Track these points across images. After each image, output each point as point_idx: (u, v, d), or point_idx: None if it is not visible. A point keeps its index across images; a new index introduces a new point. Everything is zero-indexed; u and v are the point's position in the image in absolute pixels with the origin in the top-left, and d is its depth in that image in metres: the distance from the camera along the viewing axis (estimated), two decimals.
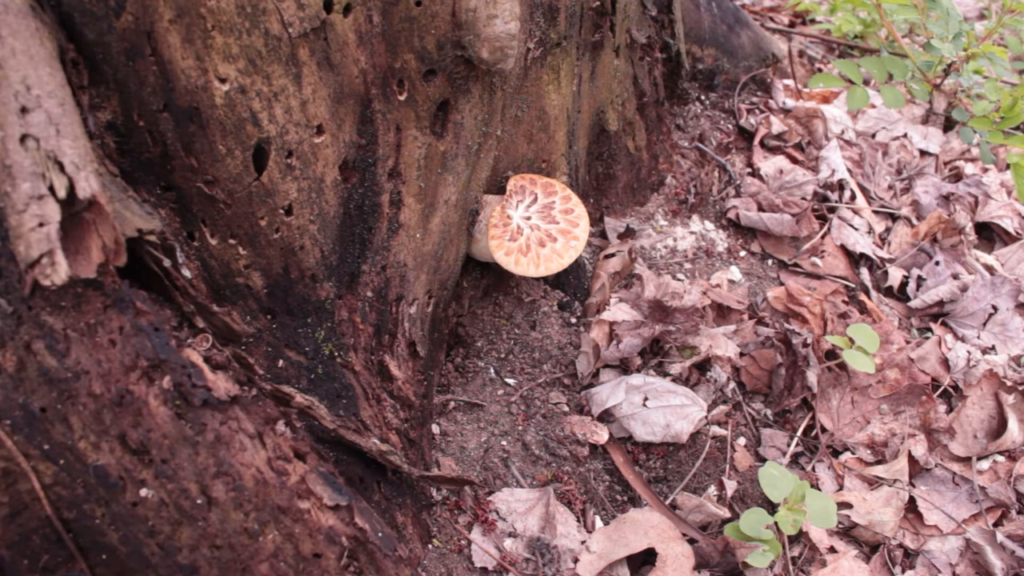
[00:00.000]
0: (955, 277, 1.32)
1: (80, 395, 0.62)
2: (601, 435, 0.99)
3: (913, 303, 1.30)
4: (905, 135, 1.64)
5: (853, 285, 1.30)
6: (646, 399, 1.02)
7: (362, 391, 0.83)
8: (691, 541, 0.92)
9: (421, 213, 0.82)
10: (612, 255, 1.16)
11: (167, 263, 0.67)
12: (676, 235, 1.27)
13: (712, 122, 1.49)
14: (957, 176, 1.59)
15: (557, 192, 0.89)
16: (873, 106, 1.72)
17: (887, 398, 1.10)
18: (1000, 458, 1.06)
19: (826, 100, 1.71)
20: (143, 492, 0.65)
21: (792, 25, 2.03)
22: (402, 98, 0.74)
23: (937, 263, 1.34)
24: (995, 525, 1.00)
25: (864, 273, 1.32)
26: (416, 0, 0.70)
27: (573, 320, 1.11)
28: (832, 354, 1.10)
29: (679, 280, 1.19)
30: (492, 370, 1.03)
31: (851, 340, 1.05)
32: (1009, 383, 1.09)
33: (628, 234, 1.22)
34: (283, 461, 0.71)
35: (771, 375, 1.10)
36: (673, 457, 1.02)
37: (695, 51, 1.48)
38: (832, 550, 0.95)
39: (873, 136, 1.64)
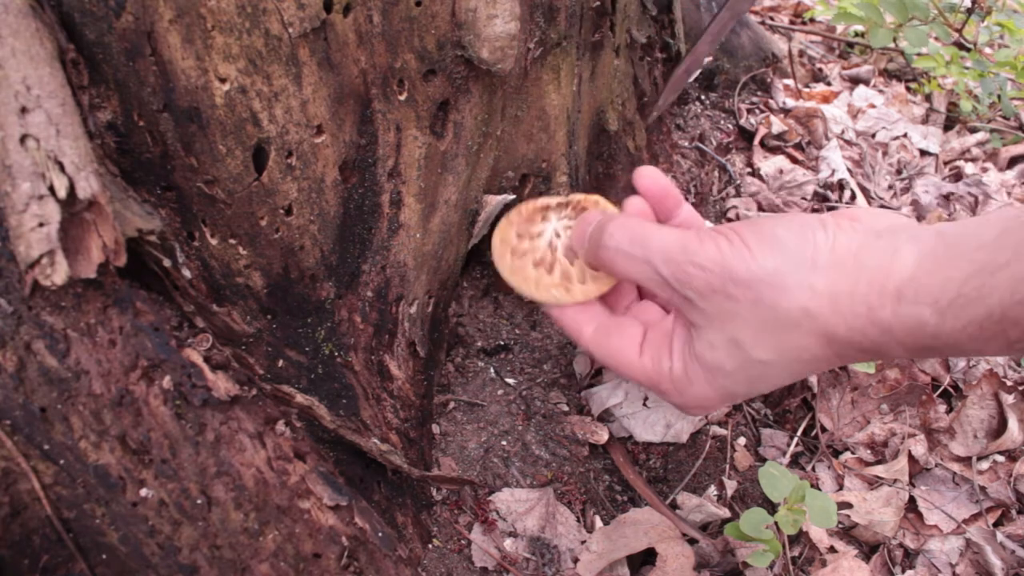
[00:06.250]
0: None
1: (80, 395, 0.62)
2: (601, 435, 0.99)
3: None
4: (905, 135, 1.64)
5: None
6: (646, 399, 1.02)
7: (362, 391, 0.83)
8: (691, 541, 0.92)
9: (421, 213, 0.82)
10: None
11: (167, 263, 0.67)
12: None
13: (712, 122, 1.49)
14: (957, 176, 1.59)
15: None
16: (873, 106, 1.72)
17: (887, 398, 1.10)
18: (1000, 458, 1.06)
19: (826, 100, 1.71)
20: (143, 492, 0.65)
21: (792, 24, 2.03)
22: (402, 98, 0.74)
23: None
24: (995, 525, 1.00)
25: None
26: (416, 0, 0.70)
27: None
28: None
29: None
30: (492, 370, 1.03)
31: None
32: (1009, 383, 1.09)
33: None
34: (283, 461, 0.71)
35: None
36: (673, 457, 1.02)
37: None
38: (832, 550, 0.95)
39: (873, 136, 1.64)
